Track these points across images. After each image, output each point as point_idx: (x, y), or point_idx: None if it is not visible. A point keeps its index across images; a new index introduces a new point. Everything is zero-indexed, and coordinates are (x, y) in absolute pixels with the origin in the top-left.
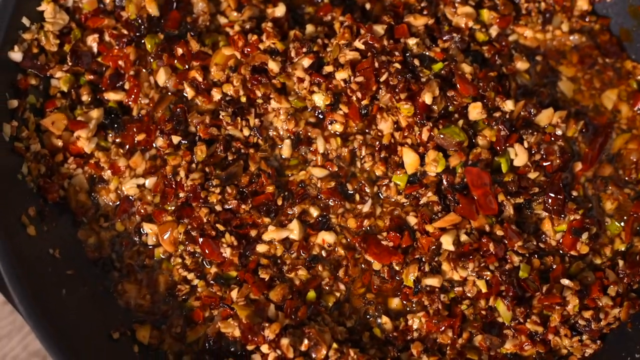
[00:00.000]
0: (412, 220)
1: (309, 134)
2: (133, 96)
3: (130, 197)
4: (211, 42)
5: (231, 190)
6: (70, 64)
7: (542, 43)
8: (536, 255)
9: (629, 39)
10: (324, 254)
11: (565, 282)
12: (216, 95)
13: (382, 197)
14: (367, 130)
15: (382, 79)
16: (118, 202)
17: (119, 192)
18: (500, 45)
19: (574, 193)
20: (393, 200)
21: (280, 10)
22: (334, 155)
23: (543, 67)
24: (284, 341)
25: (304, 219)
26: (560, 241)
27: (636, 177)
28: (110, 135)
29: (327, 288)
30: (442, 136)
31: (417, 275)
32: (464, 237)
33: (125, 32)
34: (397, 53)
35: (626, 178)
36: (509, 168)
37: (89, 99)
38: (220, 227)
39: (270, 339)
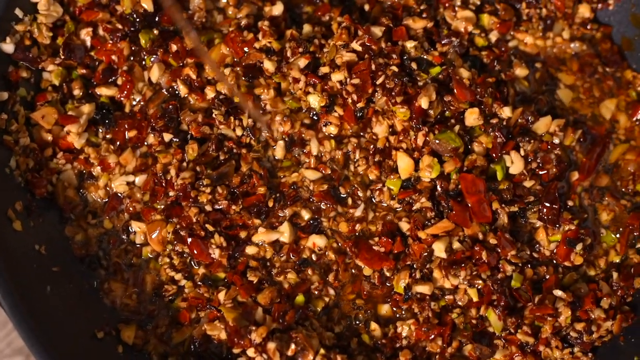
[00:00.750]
0: (404, 225)
1: (303, 135)
2: (125, 92)
3: (120, 195)
4: (206, 40)
5: (222, 191)
6: (62, 57)
7: (542, 50)
8: (529, 265)
9: (630, 48)
10: (314, 257)
11: (558, 293)
12: (210, 93)
13: (375, 201)
14: (361, 133)
15: (379, 81)
16: (107, 199)
17: (108, 189)
18: (499, 50)
19: (570, 203)
20: (386, 205)
21: (277, 9)
22: (327, 158)
23: (542, 74)
24: (271, 345)
25: (295, 221)
26: (554, 251)
27: (633, 189)
28: (101, 131)
29: (316, 292)
30: (437, 141)
31: (408, 282)
32: (456, 245)
33: (120, 26)
34: (394, 56)
35: (623, 189)
36: (505, 176)
37: (81, 94)
38: (210, 228)
39: (257, 343)
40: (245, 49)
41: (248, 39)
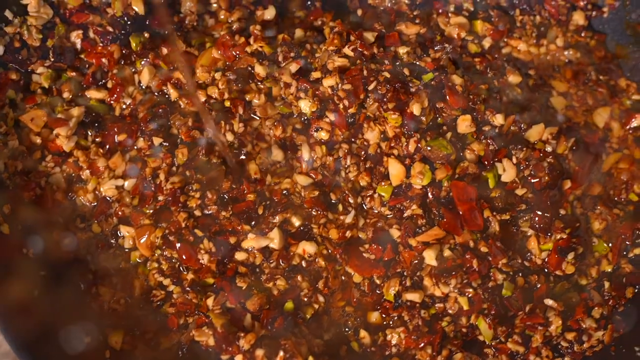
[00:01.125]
0: (395, 233)
1: (295, 140)
2: (115, 95)
3: (108, 199)
4: (198, 43)
5: (211, 196)
6: (52, 59)
7: (535, 57)
8: (520, 274)
9: (624, 56)
10: (304, 264)
11: (549, 302)
12: (200, 97)
13: (365, 208)
14: (353, 139)
15: (371, 87)
16: (95, 203)
17: (97, 192)
18: (492, 57)
19: (562, 211)
20: (377, 212)
21: (269, 13)
22: (318, 164)
23: (535, 81)
24: (259, 352)
25: (285, 228)
26: (546, 260)
27: (626, 198)
28: (91, 134)
29: (305, 299)
30: (429, 148)
31: (398, 289)
32: (447, 253)
33: (111, 29)
34: (386, 61)
35: (616, 198)
36: (497, 183)
37: (70, 96)
38: (199, 233)
39: (245, 350)
40: (237, 53)
41: (239, 43)
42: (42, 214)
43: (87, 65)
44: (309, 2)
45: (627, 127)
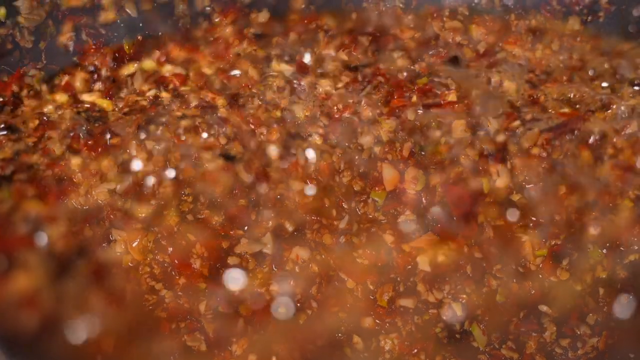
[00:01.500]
0: (388, 238)
1: (288, 144)
2: (108, 98)
3: (100, 202)
4: (191, 46)
5: (204, 200)
6: (45, 61)
7: (530, 61)
8: (514, 280)
9: (620, 60)
10: (297, 269)
11: (544, 308)
12: (193, 100)
13: (359, 213)
14: (346, 144)
15: (365, 91)
16: (87, 207)
17: (88, 196)
18: (487, 61)
19: (557, 217)
20: (370, 216)
21: (264, 16)
22: (312, 169)
23: (530, 86)
24: (252, 358)
25: (279, 233)
26: (540, 266)
27: (621, 204)
28: (83, 137)
29: (298, 305)
30: (423, 153)
31: (391, 295)
32: (441, 258)
33: (103, 31)
34: (381, 65)
35: (610, 204)
36: (491, 188)
37: (63, 99)
38: (191, 237)
39: (238, 355)
40: (231, 56)
41: (233, 45)
42: (33, 217)
43: (79, 68)
44: (303, 5)
45: (623, 132)
